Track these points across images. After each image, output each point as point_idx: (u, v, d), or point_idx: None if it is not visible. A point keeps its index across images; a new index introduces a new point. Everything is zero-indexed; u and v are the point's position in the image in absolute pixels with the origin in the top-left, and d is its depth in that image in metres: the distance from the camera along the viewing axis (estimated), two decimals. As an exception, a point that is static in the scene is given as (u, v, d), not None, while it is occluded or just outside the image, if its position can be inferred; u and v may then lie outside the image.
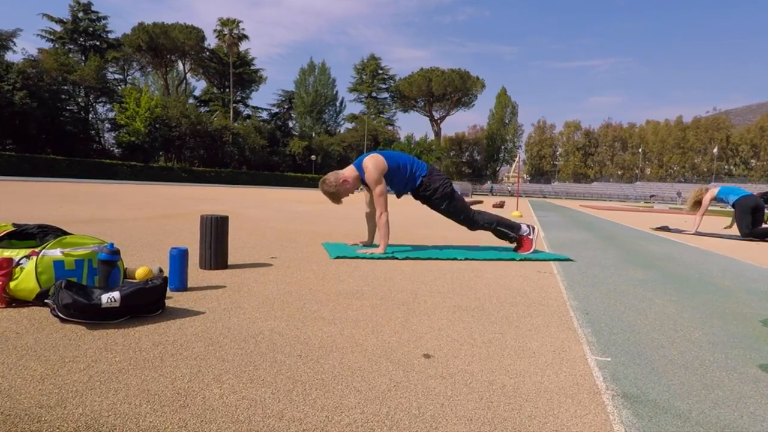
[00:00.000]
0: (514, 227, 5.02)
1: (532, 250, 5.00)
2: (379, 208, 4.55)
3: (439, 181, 4.81)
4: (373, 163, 4.57)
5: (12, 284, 2.30)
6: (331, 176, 4.65)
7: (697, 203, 9.58)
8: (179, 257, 2.76)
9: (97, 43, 67.80)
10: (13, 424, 1.28)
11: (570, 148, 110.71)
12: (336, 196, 4.67)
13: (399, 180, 4.73)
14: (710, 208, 10.25)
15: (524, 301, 2.99)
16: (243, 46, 78.06)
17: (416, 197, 4.92)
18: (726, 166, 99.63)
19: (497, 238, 5.14)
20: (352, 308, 2.61)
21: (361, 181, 4.67)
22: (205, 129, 62.04)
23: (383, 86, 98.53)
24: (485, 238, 6.27)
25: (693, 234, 9.27)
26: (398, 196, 4.99)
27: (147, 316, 2.23)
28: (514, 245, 5.15)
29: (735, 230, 9.15)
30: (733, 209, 9.07)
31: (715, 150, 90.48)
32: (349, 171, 4.67)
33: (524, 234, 5.04)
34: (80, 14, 65.03)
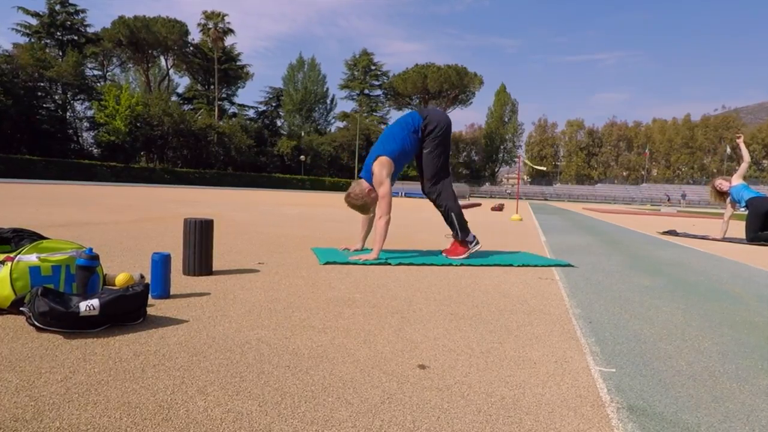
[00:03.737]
0: (464, 227, 4.90)
1: (459, 258, 4.84)
2: (380, 210, 4.55)
3: (437, 119, 4.84)
4: (379, 164, 4.61)
5: (-16, 291, 2.29)
6: (356, 188, 4.70)
7: (719, 194, 9.52)
8: (161, 263, 2.75)
9: (75, 38, 67.77)
10: (-14, 440, 1.27)
11: (572, 148, 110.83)
12: (365, 208, 4.75)
13: (407, 153, 4.78)
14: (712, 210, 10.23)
15: (524, 309, 2.99)
16: (228, 41, 78.23)
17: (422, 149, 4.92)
18: (737, 167, 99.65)
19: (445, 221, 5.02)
20: (344, 316, 2.61)
21: None
22: (188, 128, 61.99)
23: (376, 83, 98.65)
24: (483, 241, 6.28)
25: (720, 240, 9.18)
26: (419, 161, 4.97)
27: (127, 325, 2.22)
28: (449, 244, 5.10)
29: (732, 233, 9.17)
30: (746, 209, 8.98)
31: (727, 150, 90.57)
32: (366, 182, 4.72)
33: (468, 241, 4.92)
34: (57, 7, 64.96)
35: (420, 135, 4.77)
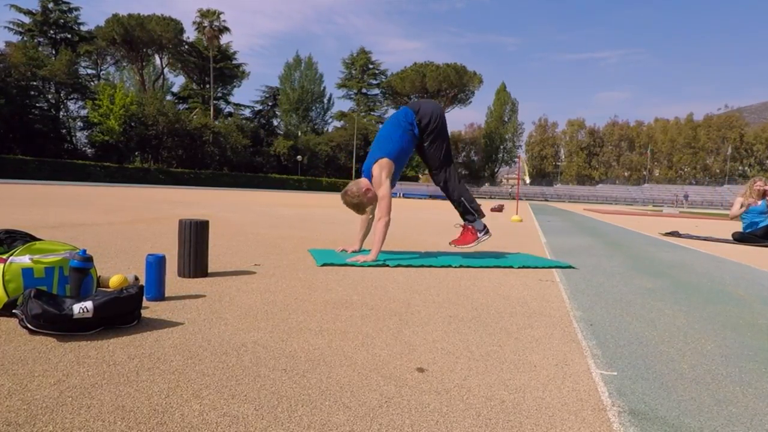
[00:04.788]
0: (478, 212, 4.96)
1: (468, 247, 4.94)
2: (379, 212, 4.56)
3: (430, 111, 4.84)
4: (379, 166, 4.62)
5: (-24, 294, 2.29)
6: (353, 187, 4.69)
7: (760, 193, 9.56)
8: (156, 264, 2.75)
9: (69, 36, 67.70)
10: (-23, 444, 1.27)
11: (573, 148, 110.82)
12: (360, 207, 4.73)
13: (406, 150, 4.78)
14: (709, 210, 10.27)
15: (524, 311, 3.00)
16: (224, 39, 78.03)
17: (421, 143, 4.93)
18: (740, 167, 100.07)
19: (456, 209, 5.06)
20: (341, 319, 2.61)
21: None
22: (183, 127, 61.93)
23: (374, 82, 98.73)
24: (483, 244, 6.29)
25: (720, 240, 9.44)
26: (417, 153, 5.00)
27: (122, 328, 2.22)
28: (458, 233, 5.11)
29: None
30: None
31: (728, 150, 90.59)
32: (366, 181, 4.72)
33: (478, 229, 4.96)
34: (50, 5, 64.88)
35: (415, 129, 4.78)
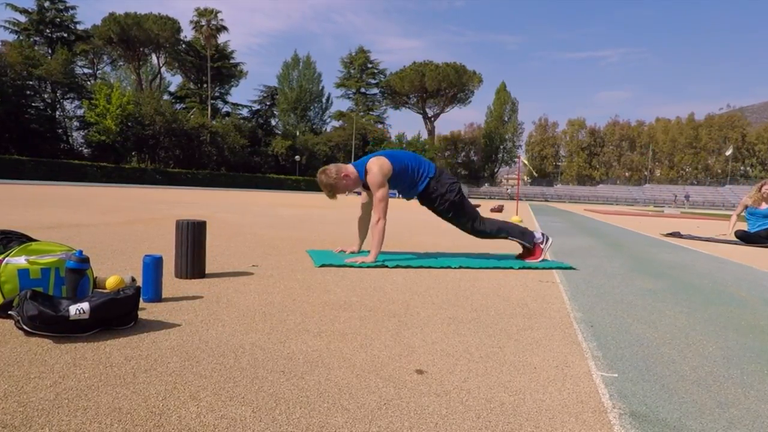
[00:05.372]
0: (526, 235, 5.05)
1: (540, 260, 5.03)
2: (377, 214, 4.54)
3: (448, 185, 4.78)
4: (378, 165, 4.56)
5: (-29, 295, 2.29)
6: (333, 167, 4.64)
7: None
8: (153, 265, 2.75)
9: (65, 35, 67.54)
10: (-27, 447, 1.27)
11: (574, 148, 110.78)
12: (333, 189, 4.63)
13: (404, 181, 4.73)
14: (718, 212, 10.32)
15: (524, 313, 3.00)
16: (222, 38, 77.93)
17: (422, 202, 4.93)
18: (742, 168, 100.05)
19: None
20: (340, 320, 2.61)
21: (361, 182, 4.67)
22: (180, 127, 61.86)
23: (373, 81, 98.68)
24: (482, 244, 6.29)
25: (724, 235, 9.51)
26: (407, 199, 5.00)
27: (118, 329, 2.22)
28: (520, 252, 5.19)
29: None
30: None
31: (728, 151, 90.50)
32: (351, 168, 4.67)
33: (538, 242, 5.07)
34: (46, 4, 64.76)
35: (421, 184, 4.75)
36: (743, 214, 9.53)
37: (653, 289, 4.03)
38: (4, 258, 2.37)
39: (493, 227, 4.93)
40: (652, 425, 1.57)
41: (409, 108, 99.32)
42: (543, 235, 5.09)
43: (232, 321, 2.48)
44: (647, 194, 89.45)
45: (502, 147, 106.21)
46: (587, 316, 3.00)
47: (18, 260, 2.39)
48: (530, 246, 5.06)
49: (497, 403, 1.68)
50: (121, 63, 79.07)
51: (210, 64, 75.09)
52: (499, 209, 19.99)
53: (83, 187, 29.65)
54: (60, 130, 61.58)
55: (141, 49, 73.55)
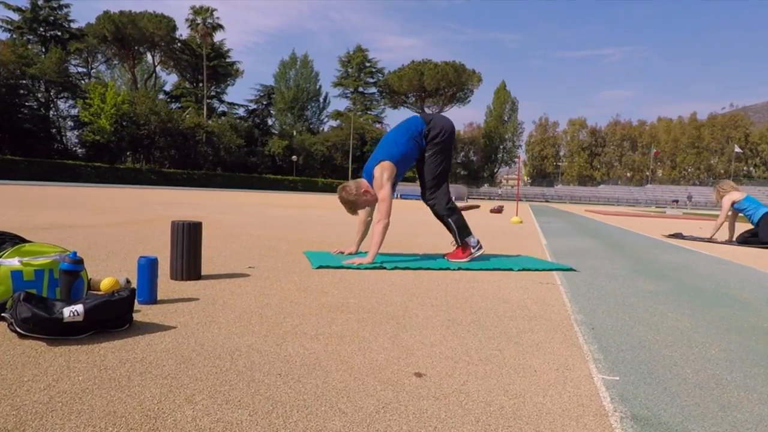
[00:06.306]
0: (463, 231, 4.98)
1: (459, 262, 4.88)
2: (378, 214, 4.58)
3: (441, 124, 4.88)
4: (380, 168, 4.65)
5: (-36, 297, 2.29)
6: (352, 184, 4.73)
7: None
8: (148, 267, 2.74)
9: (59, 34, 67.60)
10: (-35, 451, 1.27)
11: (574, 148, 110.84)
12: (353, 206, 4.75)
13: (411, 157, 4.82)
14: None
15: (524, 315, 3.00)
16: (217, 37, 78.10)
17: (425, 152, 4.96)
18: (745, 168, 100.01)
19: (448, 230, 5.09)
20: (337, 322, 2.61)
21: None
22: (176, 127, 61.92)
23: (371, 80, 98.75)
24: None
25: (707, 241, 9.47)
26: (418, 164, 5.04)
27: (113, 331, 2.22)
28: (451, 250, 5.13)
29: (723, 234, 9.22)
30: (756, 226, 9.12)
31: (736, 149, 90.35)
32: (365, 182, 4.76)
33: (470, 244, 4.98)
34: (40, 2, 64.80)
35: (422, 140, 4.80)
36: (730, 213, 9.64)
37: (655, 290, 4.03)
38: (-4, 259, 2.37)
39: (448, 209, 4.93)
40: (653, 429, 1.57)
41: (407, 107, 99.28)
42: (477, 242, 5.01)
43: (228, 323, 2.48)
44: (649, 195, 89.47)
45: (501, 147, 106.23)
46: (588, 318, 3.00)
47: (11, 262, 2.39)
48: (459, 245, 4.98)
49: (497, 406, 1.68)
50: (116, 62, 79.09)
51: (206, 62, 75.16)
52: (499, 210, 19.97)
53: (77, 187, 29.63)
54: (54, 130, 61.63)
55: (136, 47, 73.63)
